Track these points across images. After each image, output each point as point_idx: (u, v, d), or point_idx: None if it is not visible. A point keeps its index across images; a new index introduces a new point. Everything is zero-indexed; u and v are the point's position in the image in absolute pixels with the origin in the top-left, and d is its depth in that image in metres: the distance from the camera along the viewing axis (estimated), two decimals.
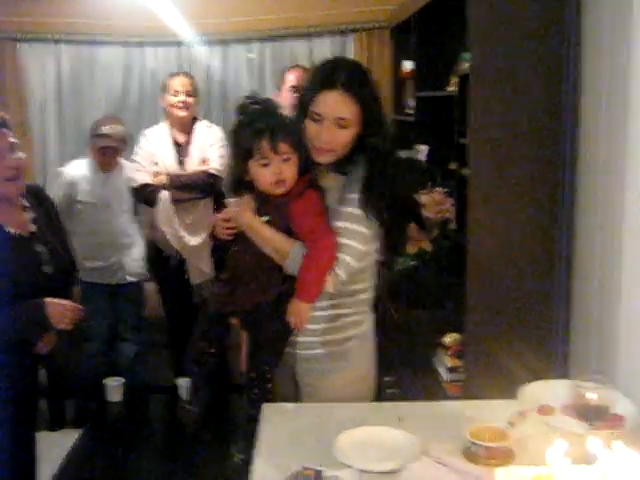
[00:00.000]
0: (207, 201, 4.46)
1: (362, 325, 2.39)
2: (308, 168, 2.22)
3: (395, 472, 1.80)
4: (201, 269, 4.50)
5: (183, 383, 4.56)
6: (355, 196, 2.21)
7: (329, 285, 2.20)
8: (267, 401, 2.26)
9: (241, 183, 2.26)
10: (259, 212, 2.23)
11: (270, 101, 2.28)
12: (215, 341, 2.32)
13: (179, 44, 5.53)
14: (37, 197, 2.90)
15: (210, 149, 4.46)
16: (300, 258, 2.17)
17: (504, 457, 1.83)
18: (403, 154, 4.55)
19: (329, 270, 2.18)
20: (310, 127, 2.18)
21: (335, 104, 2.14)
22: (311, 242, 2.17)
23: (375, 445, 1.93)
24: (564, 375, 2.56)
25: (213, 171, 4.39)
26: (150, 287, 4.87)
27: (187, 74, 4.68)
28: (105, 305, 4.63)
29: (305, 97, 2.21)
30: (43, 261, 2.71)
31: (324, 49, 5.59)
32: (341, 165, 2.26)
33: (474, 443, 1.86)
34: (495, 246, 2.70)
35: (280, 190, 2.17)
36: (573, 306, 2.77)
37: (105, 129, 4.42)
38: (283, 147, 2.13)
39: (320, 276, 2.19)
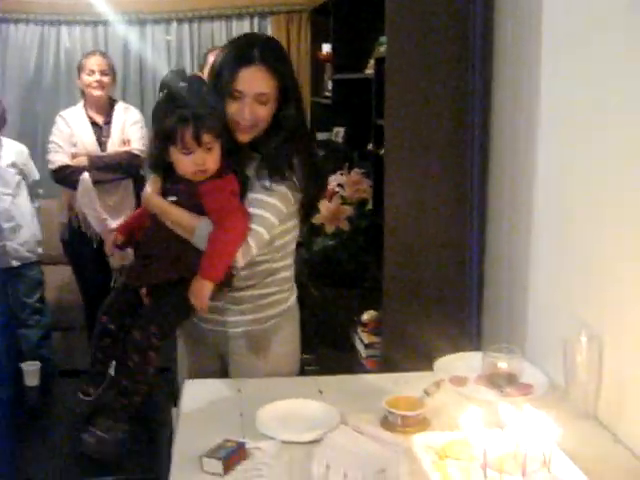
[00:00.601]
0: (129, 182, 4.41)
1: (287, 302, 2.42)
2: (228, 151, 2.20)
3: (316, 442, 1.85)
4: (122, 252, 4.45)
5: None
6: (277, 188, 2.22)
7: (239, 258, 2.16)
8: (144, 373, 2.16)
9: (161, 163, 2.23)
10: (169, 192, 2.21)
11: (196, 81, 2.27)
12: (117, 317, 2.26)
13: (96, 23, 5.45)
14: None
15: (130, 129, 4.41)
16: (207, 234, 2.14)
17: (420, 425, 1.89)
18: (321, 136, 4.62)
19: (235, 249, 2.14)
20: (231, 105, 2.17)
21: (254, 80, 2.15)
22: (218, 220, 2.13)
23: (296, 417, 1.97)
24: (478, 349, 2.66)
25: (135, 152, 4.35)
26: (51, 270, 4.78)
27: (103, 53, 4.62)
28: (1, 292, 4.50)
29: (223, 76, 2.18)
30: None
31: (242, 31, 5.58)
32: (259, 142, 2.26)
33: (391, 412, 1.92)
34: (410, 225, 2.78)
35: (200, 178, 2.15)
36: (485, 283, 2.88)
37: None
38: (206, 137, 2.09)
39: (225, 255, 2.15)
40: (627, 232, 1.91)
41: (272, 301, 2.37)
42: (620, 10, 1.91)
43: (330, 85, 4.37)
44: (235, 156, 2.22)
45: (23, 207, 4.50)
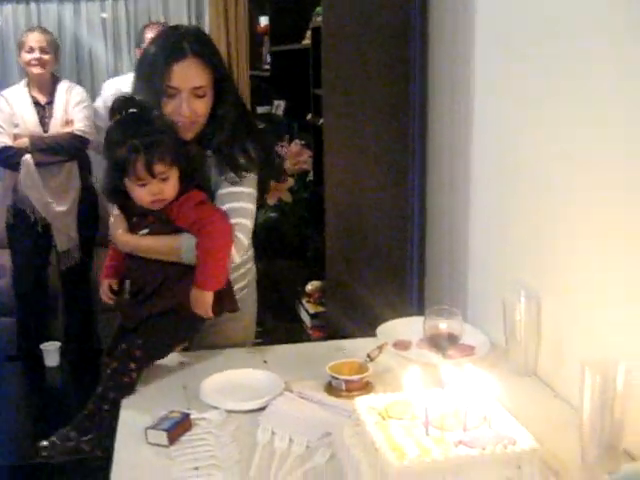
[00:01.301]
0: (73, 164, 4.34)
1: (248, 276, 2.42)
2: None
3: (261, 410, 1.86)
4: (69, 235, 4.39)
5: (50, 347, 4.47)
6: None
7: (234, 255, 2.14)
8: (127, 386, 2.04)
9: (117, 193, 2.13)
10: (138, 226, 2.13)
11: (147, 107, 2.10)
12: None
13: (28, 1, 5.35)
14: None
15: (74, 110, 4.31)
16: (193, 245, 2.07)
17: (363, 389, 1.91)
18: (262, 110, 4.60)
19: (226, 252, 2.10)
20: (168, 104, 2.11)
21: (189, 74, 2.09)
22: (199, 230, 2.06)
23: (240, 387, 1.98)
24: (421, 314, 2.68)
25: (78, 132, 4.27)
26: None
27: (43, 30, 4.47)
28: None
29: (155, 74, 2.10)
30: None
31: (179, 6, 5.54)
32: (206, 139, 2.21)
33: (334, 378, 1.93)
34: (350, 194, 2.79)
35: (159, 207, 2.07)
36: (427, 248, 2.90)
37: None
38: (160, 168, 2.00)
39: (218, 261, 2.09)
40: (561, 195, 1.94)
41: (235, 276, 2.34)
42: None
43: (269, 58, 4.34)
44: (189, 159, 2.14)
45: None
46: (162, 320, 2.10)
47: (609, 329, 1.75)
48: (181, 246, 2.08)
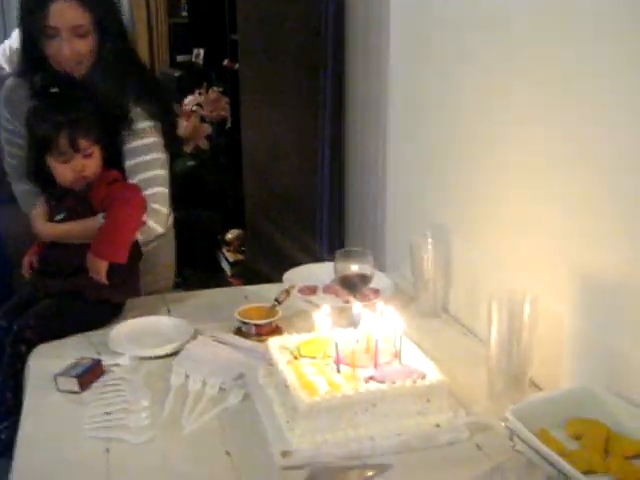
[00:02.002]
0: None
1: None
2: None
3: (173, 355, 1.85)
4: None
5: None
6: (140, 125, 2.17)
7: (156, 227, 2.16)
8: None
9: (39, 173, 2.09)
10: (56, 210, 2.09)
11: (72, 82, 2.08)
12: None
13: None
14: None
15: None
16: None
17: (273, 334, 1.90)
18: (182, 58, 4.53)
19: (133, 226, 2.06)
20: (49, 45, 2.06)
21: (66, 13, 2.04)
22: (109, 207, 2.02)
23: (150, 333, 1.96)
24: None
25: None
26: None
27: None
28: None
29: (33, 15, 2.06)
30: None
31: None
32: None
33: (244, 322, 1.93)
34: (266, 141, 2.79)
35: (81, 185, 2.04)
36: (345, 191, 2.90)
37: None
38: (84, 143, 1.99)
39: (121, 233, 2.03)
40: (473, 134, 1.96)
41: None
42: None
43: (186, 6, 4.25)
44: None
45: None
46: (62, 303, 2.04)
47: (517, 263, 1.79)
48: (98, 224, 2.04)
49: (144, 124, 2.18)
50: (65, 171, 2.02)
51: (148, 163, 2.17)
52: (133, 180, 2.16)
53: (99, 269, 2.00)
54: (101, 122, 2.08)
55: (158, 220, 2.17)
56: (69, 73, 2.12)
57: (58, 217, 2.08)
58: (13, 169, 2.38)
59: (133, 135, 2.17)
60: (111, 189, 2.05)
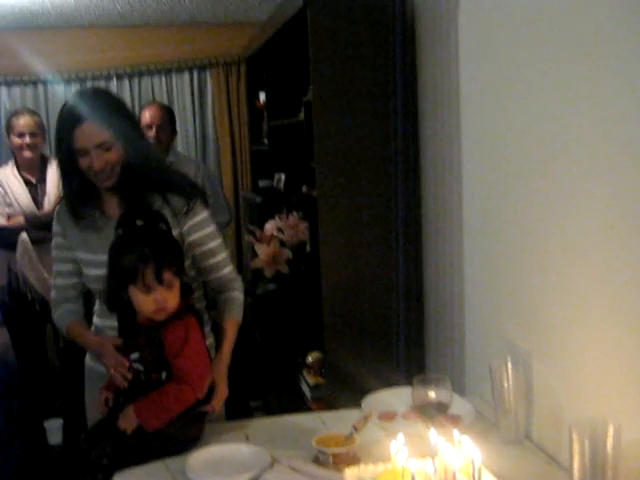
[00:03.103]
0: None
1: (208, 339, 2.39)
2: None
3: None
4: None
5: (53, 425, 4.42)
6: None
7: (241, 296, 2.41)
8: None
9: (118, 301, 2.16)
10: (130, 347, 2.14)
11: (155, 215, 2.22)
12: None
13: (35, 83, 5.46)
14: None
15: None
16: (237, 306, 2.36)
17: (351, 462, 1.87)
18: (263, 183, 4.65)
19: (175, 410, 2.06)
20: (82, 161, 2.24)
21: (90, 134, 2.22)
22: (177, 372, 2.06)
23: (227, 462, 1.96)
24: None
25: None
26: None
27: (32, 112, 4.55)
28: None
29: (64, 139, 2.26)
30: None
31: (184, 84, 5.64)
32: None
33: (321, 451, 1.91)
34: (344, 264, 2.82)
35: (161, 317, 2.08)
36: (425, 317, 2.90)
37: None
38: (168, 276, 2.06)
39: (164, 413, 2.05)
40: (553, 257, 1.95)
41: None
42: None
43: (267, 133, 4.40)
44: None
45: None
46: (135, 435, 2.05)
47: (601, 389, 1.74)
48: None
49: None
50: (147, 302, 2.06)
51: (209, 235, 2.36)
52: (198, 250, 2.34)
53: (129, 423, 2.04)
54: (181, 253, 2.16)
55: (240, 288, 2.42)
56: (152, 208, 2.26)
57: (133, 356, 2.12)
58: (60, 290, 2.49)
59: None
60: (178, 361, 2.06)
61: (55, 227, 2.47)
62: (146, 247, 2.06)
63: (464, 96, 2.48)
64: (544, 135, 1.95)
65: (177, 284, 2.10)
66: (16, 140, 4.36)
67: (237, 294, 2.41)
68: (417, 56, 2.86)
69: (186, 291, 2.16)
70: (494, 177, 2.30)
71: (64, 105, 2.32)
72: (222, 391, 2.21)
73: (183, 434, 2.09)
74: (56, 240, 2.47)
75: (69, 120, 2.24)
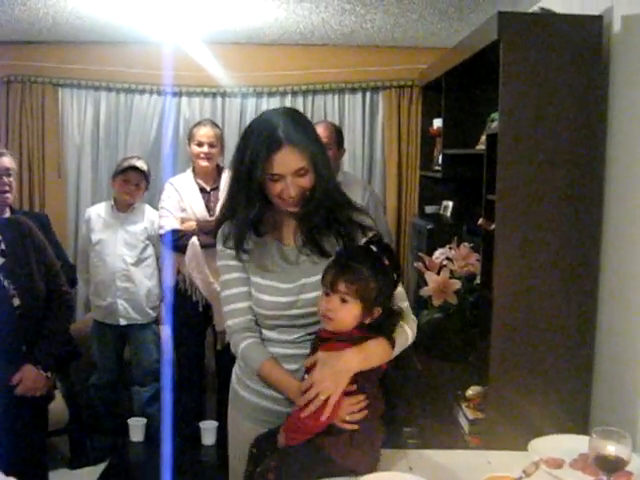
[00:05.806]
0: None
1: None
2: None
3: None
4: None
5: (208, 426, 4.59)
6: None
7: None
8: None
9: None
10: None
11: (368, 254, 2.17)
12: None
13: (214, 95, 5.67)
14: (17, 229, 3.02)
15: None
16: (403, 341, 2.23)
17: None
18: (430, 209, 4.66)
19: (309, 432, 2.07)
20: (274, 186, 2.20)
21: (289, 160, 2.17)
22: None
23: None
24: (584, 430, 2.61)
25: None
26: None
27: (213, 124, 4.74)
28: (112, 345, 4.78)
29: (257, 166, 2.17)
30: (10, 295, 2.87)
31: (355, 104, 5.72)
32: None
33: None
34: (519, 303, 2.78)
35: (327, 325, 2.11)
36: (596, 361, 2.83)
37: (129, 162, 4.64)
38: (342, 287, 2.07)
39: (306, 432, 2.07)
40: None
41: None
42: None
43: (440, 159, 4.41)
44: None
45: (142, 271, 4.73)
46: (302, 451, 2.06)
47: None
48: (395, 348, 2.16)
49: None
50: (322, 300, 2.12)
51: None
52: None
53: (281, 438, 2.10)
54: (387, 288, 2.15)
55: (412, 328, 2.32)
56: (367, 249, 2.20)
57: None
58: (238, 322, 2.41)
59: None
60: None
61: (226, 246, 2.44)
62: (349, 261, 2.09)
63: None
64: None
65: (355, 305, 2.06)
66: (195, 149, 4.57)
67: (408, 330, 2.28)
68: (609, 97, 2.80)
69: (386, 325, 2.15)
70: None
71: (258, 126, 2.24)
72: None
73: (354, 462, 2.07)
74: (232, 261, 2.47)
75: (267, 143, 2.16)
